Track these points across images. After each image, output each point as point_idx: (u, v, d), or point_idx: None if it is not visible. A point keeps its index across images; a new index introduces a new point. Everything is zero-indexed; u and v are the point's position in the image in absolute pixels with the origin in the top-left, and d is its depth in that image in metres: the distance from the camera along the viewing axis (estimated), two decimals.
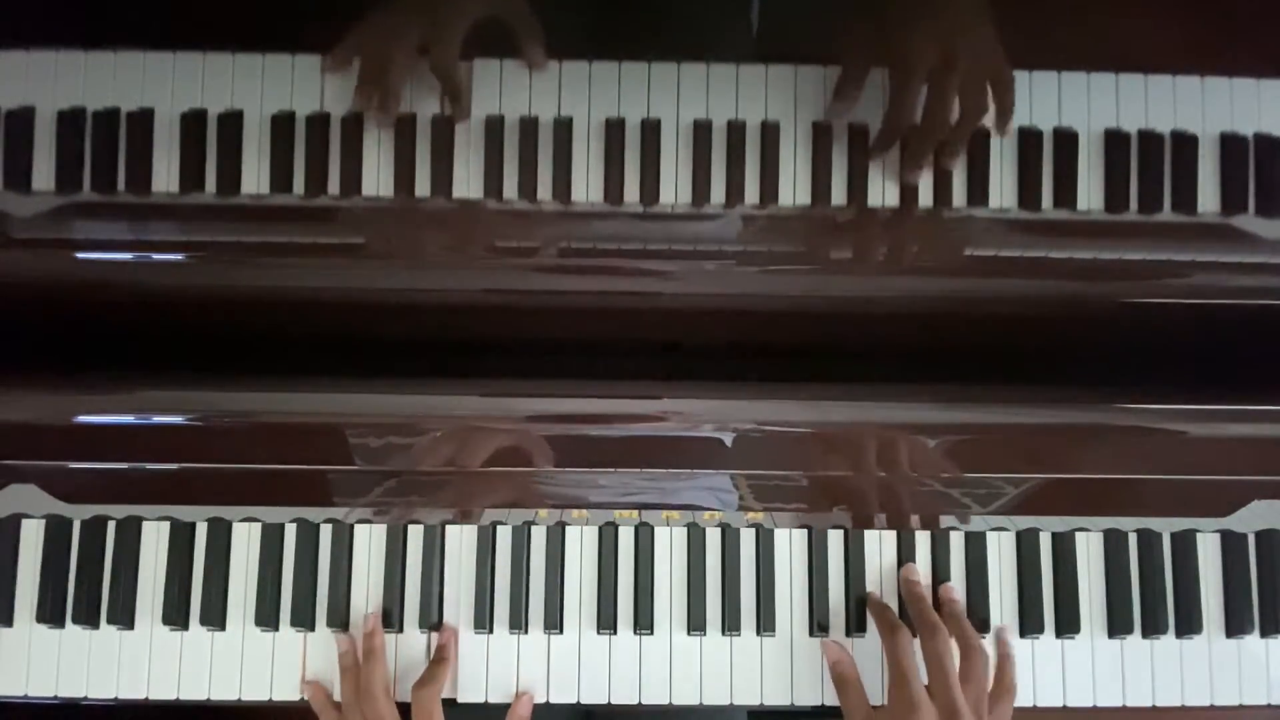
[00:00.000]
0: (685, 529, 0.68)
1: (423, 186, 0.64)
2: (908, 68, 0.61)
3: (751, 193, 0.65)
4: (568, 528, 0.68)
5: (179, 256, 0.64)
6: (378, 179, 0.64)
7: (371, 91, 0.62)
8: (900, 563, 0.68)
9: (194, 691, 0.66)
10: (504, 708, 0.66)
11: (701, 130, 0.65)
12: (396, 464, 0.66)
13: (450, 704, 0.66)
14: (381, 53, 0.61)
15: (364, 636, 0.66)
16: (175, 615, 0.66)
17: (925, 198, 0.65)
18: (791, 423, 0.66)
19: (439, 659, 0.65)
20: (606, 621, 0.67)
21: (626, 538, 0.68)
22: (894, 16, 0.62)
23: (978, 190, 0.65)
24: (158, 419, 0.65)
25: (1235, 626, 0.67)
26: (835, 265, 0.65)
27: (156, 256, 0.64)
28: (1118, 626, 0.67)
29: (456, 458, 0.65)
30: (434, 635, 0.67)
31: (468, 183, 0.65)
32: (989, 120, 0.63)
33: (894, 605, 0.67)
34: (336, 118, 0.64)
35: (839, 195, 0.65)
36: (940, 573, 0.67)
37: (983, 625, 0.67)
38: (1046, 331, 0.68)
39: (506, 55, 0.64)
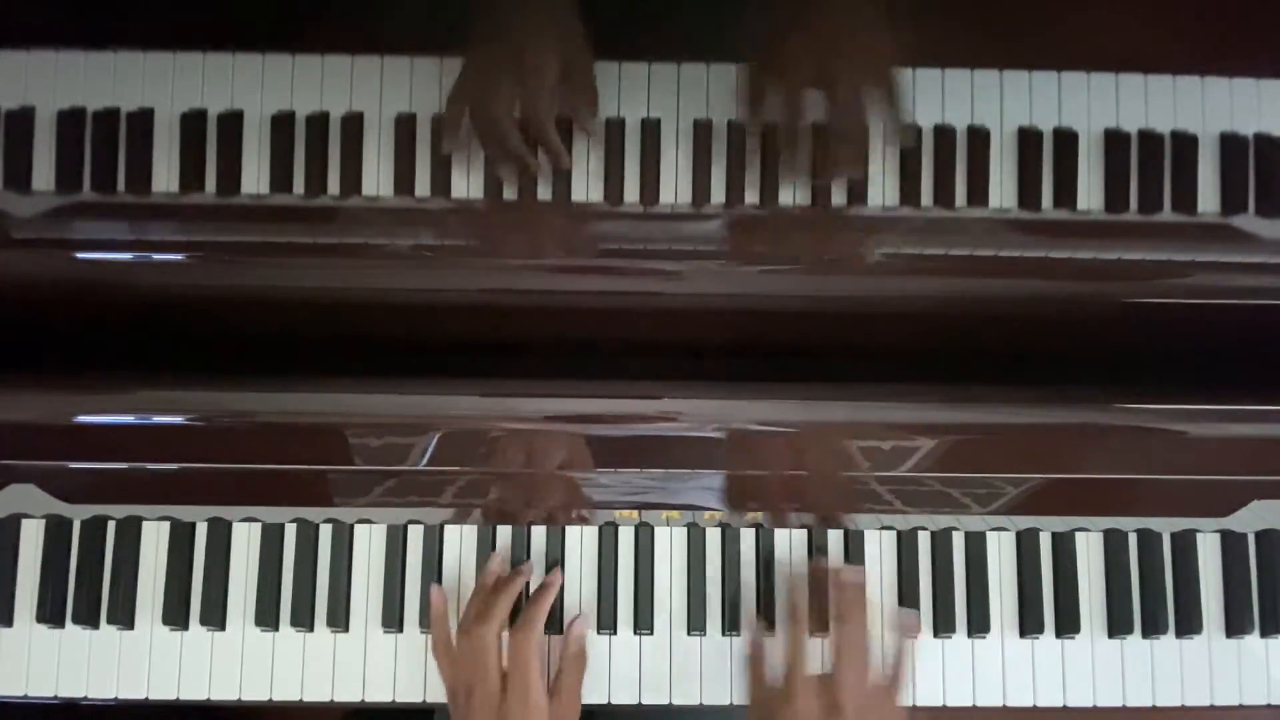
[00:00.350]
0: (685, 529, 0.68)
1: (422, 186, 0.64)
2: (788, 75, 0.60)
3: (752, 193, 0.65)
4: (567, 528, 0.68)
5: (179, 256, 0.64)
6: (378, 179, 0.64)
7: (504, 160, 0.63)
8: (900, 562, 0.68)
9: (194, 691, 0.66)
10: None
11: (701, 130, 0.65)
12: (396, 464, 0.66)
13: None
14: (492, 124, 0.61)
15: (515, 570, 0.67)
16: (175, 615, 0.66)
17: (926, 198, 0.65)
18: (791, 423, 0.66)
19: (537, 598, 0.66)
20: (606, 621, 0.67)
21: (626, 538, 0.68)
22: (775, 23, 0.61)
23: (978, 190, 0.65)
24: (158, 419, 0.65)
25: (1235, 626, 0.67)
26: (835, 265, 0.65)
27: (156, 256, 0.64)
28: (1118, 626, 0.67)
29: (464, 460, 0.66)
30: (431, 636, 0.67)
31: (467, 184, 0.65)
32: (883, 128, 0.62)
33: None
34: (336, 118, 0.65)
35: (839, 195, 0.65)
36: (940, 572, 0.67)
37: (983, 625, 0.67)
38: (1046, 331, 0.68)
39: None
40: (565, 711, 0.64)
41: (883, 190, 0.65)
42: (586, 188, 0.65)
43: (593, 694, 0.66)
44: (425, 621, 0.67)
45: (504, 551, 0.68)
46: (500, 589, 0.65)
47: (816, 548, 0.68)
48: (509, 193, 0.64)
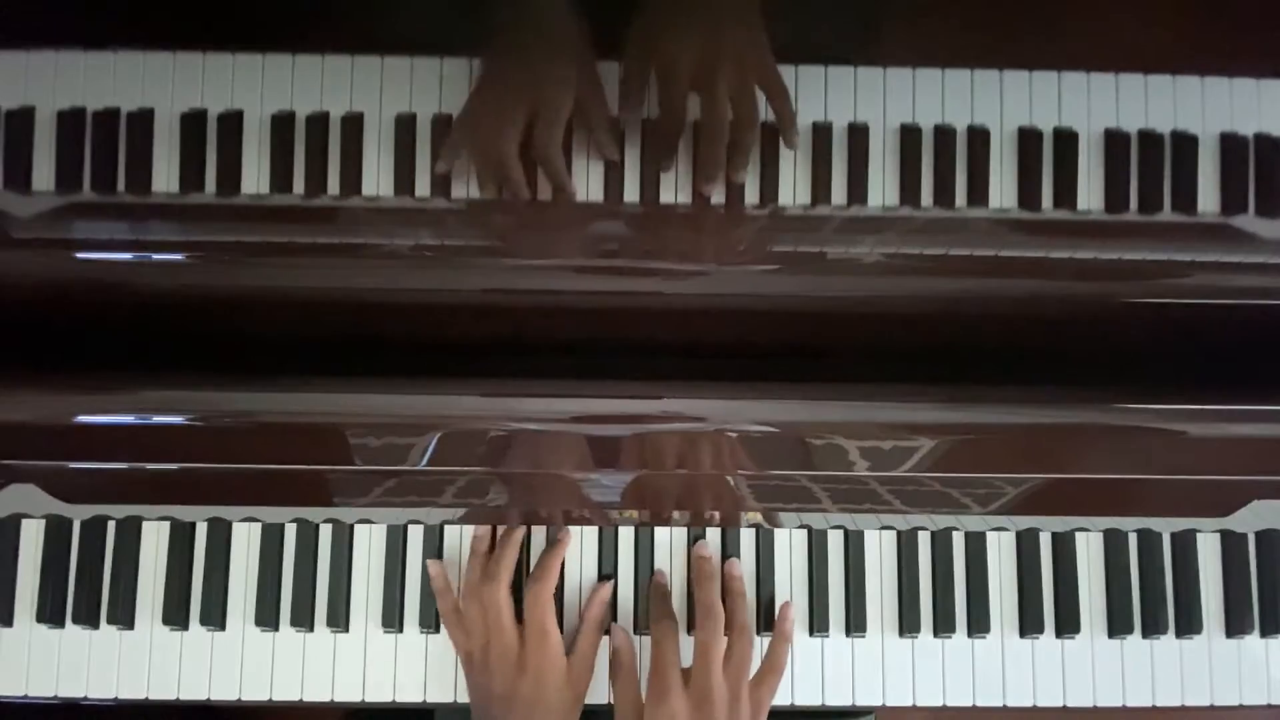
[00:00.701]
0: (685, 529, 0.68)
1: (423, 186, 0.64)
2: (667, 73, 0.60)
3: (751, 193, 0.65)
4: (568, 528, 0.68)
5: (179, 256, 0.64)
6: (378, 179, 0.64)
7: (497, 185, 0.63)
8: (901, 562, 0.68)
9: (194, 691, 0.66)
10: None
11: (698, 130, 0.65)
12: (396, 464, 0.65)
13: (450, 705, 0.66)
14: (498, 162, 0.61)
15: (505, 530, 0.67)
16: (175, 615, 0.66)
17: (927, 198, 0.65)
18: (791, 423, 0.66)
19: (551, 550, 0.66)
20: (606, 621, 0.67)
21: (626, 538, 0.68)
22: (655, 19, 0.60)
23: (978, 190, 0.65)
24: (158, 419, 0.64)
25: (1235, 626, 0.67)
26: (833, 265, 0.65)
27: (156, 256, 0.64)
28: (1118, 626, 0.67)
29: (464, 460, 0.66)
30: (433, 636, 0.67)
31: (467, 184, 0.65)
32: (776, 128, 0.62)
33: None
34: (336, 118, 0.64)
35: (839, 195, 0.65)
36: (940, 572, 0.67)
37: (983, 625, 0.67)
38: (1046, 331, 0.68)
39: None
40: (579, 673, 0.64)
41: (883, 190, 0.65)
42: (587, 188, 0.65)
43: (594, 694, 0.66)
44: (426, 622, 0.67)
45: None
46: (501, 546, 0.66)
47: (695, 537, 0.68)
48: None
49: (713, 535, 0.68)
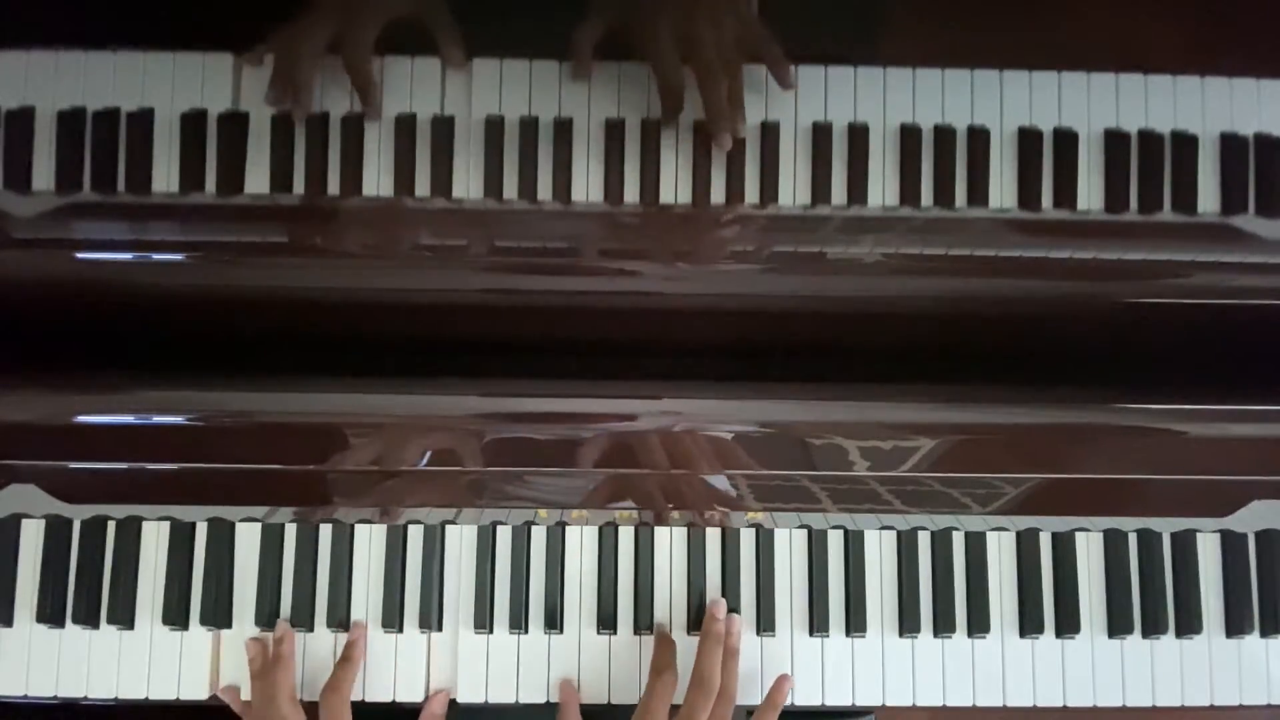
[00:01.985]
0: (685, 529, 0.68)
1: (423, 187, 0.64)
2: (654, 40, 0.61)
3: (751, 192, 0.65)
4: (568, 528, 0.68)
5: (179, 256, 0.64)
6: (378, 179, 0.64)
7: (285, 88, 0.63)
8: (901, 562, 0.68)
9: (194, 691, 0.66)
10: (506, 709, 0.66)
11: (701, 130, 0.65)
12: (396, 464, 0.66)
13: (451, 704, 0.66)
14: (291, 51, 0.62)
15: (274, 641, 0.65)
16: (175, 615, 0.66)
17: (927, 198, 0.65)
18: (791, 423, 0.66)
19: (345, 658, 0.65)
20: (606, 621, 0.67)
21: (626, 538, 0.68)
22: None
23: (978, 190, 0.65)
24: (158, 419, 0.65)
25: (1235, 626, 0.67)
26: (833, 265, 0.65)
27: (156, 256, 0.64)
28: (1118, 626, 0.67)
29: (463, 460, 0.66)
30: (434, 636, 0.67)
31: (468, 183, 0.65)
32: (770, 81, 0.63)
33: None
34: (336, 118, 0.64)
35: (839, 195, 0.65)
36: (940, 572, 0.67)
37: (983, 625, 0.67)
38: (1046, 331, 0.68)
39: (506, 56, 0.64)
40: None
41: (883, 190, 0.65)
42: (587, 188, 0.65)
43: (595, 694, 0.66)
44: (426, 622, 0.66)
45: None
46: (273, 662, 0.64)
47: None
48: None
49: (713, 535, 0.68)
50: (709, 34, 0.61)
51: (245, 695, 0.65)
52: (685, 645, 0.66)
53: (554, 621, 0.67)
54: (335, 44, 0.62)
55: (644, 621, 0.67)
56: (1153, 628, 0.67)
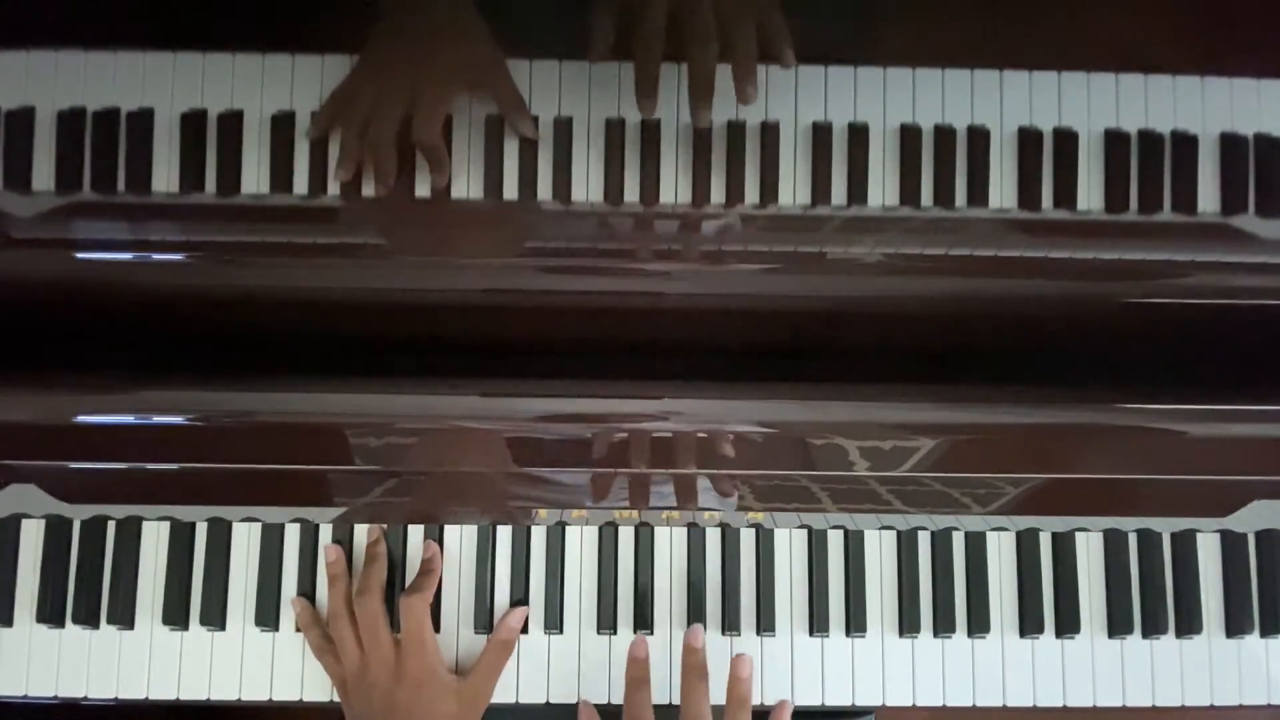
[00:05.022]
0: (685, 529, 0.68)
1: (422, 187, 0.64)
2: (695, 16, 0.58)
3: (751, 192, 0.65)
4: (568, 528, 0.68)
5: (179, 256, 0.64)
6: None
7: (352, 166, 0.63)
8: (901, 562, 0.67)
9: (194, 691, 0.66)
10: (508, 709, 0.66)
11: (701, 130, 0.65)
12: (397, 464, 0.66)
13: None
14: (365, 136, 0.61)
15: (368, 545, 0.66)
16: (175, 615, 0.66)
17: (927, 198, 0.65)
18: (791, 423, 0.66)
19: (426, 570, 0.66)
20: (606, 621, 0.67)
21: (626, 538, 0.68)
22: None
23: (978, 190, 0.65)
24: (158, 419, 0.65)
25: (1235, 626, 0.67)
26: (833, 265, 0.65)
27: (156, 256, 0.64)
28: (1118, 626, 0.67)
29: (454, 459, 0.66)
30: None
31: (467, 183, 0.65)
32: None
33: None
34: None
35: (839, 195, 0.65)
36: (940, 572, 0.67)
37: (983, 625, 0.67)
38: (1046, 331, 0.68)
39: (506, 56, 0.64)
40: (476, 690, 0.64)
41: (883, 190, 0.65)
42: (587, 188, 0.65)
43: (596, 693, 0.66)
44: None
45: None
46: (368, 561, 0.66)
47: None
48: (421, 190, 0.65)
49: (713, 535, 0.68)
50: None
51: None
52: (681, 641, 0.67)
53: (554, 622, 0.67)
54: (405, 124, 0.61)
55: (644, 621, 0.67)
56: (1153, 628, 0.67)
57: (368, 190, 0.64)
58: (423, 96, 0.60)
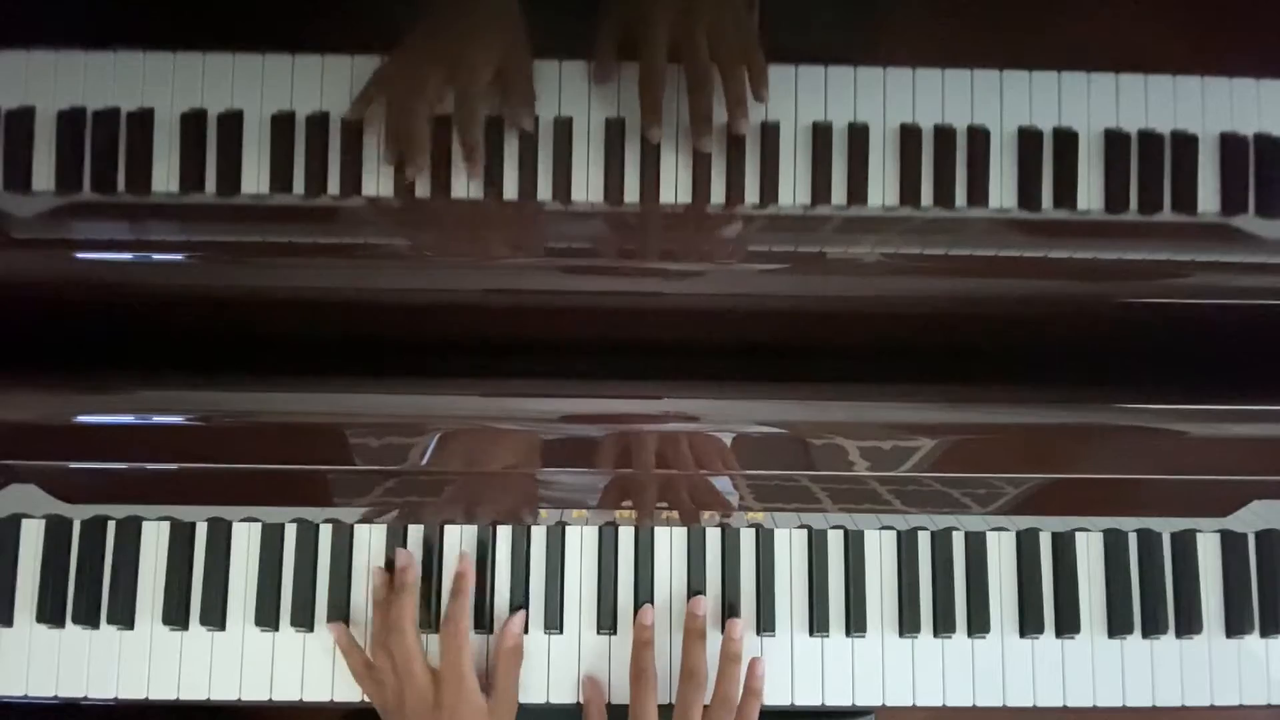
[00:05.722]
0: (685, 529, 0.68)
1: (422, 187, 0.64)
2: (642, 29, 0.61)
3: (752, 192, 0.65)
4: (568, 528, 0.68)
5: (179, 256, 0.64)
6: (378, 179, 0.64)
7: (399, 149, 0.63)
8: (901, 562, 0.68)
9: (194, 691, 0.66)
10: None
11: (702, 139, 0.65)
12: (397, 464, 0.66)
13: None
14: (408, 114, 0.62)
15: (398, 571, 0.66)
16: (175, 615, 0.66)
17: (927, 198, 0.65)
18: (791, 423, 0.66)
19: (457, 590, 0.66)
20: (606, 621, 0.67)
21: (626, 538, 0.68)
22: None
23: (978, 190, 0.65)
24: (158, 419, 0.65)
25: (1235, 626, 0.67)
26: (833, 265, 0.65)
27: (156, 256, 0.64)
28: (1118, 626, 0.67)
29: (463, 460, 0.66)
30: (432, 636, 0.67)
31: (468, 183, 0.65)
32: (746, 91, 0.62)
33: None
34: (336, 118, 0.64)
35: (839, 195, 0.65)
36: (940, 573, 0.67)
37: (983, 625, 0.67)
38: (1046, 331, 0.68)
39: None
40: (502, 707, 0.64)
41: (883, 190, 0.65)
42: (587, 188, 0.65)
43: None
44: (425, 622, 0.66)
45: (379, 560, 0.67)
46: (397, 593, 0.65)
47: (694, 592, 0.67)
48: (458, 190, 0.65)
49: (713, 535, 0.68)
50: (728, 24, 0.62)
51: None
52: (680, 633, 0.67)
53: (554, 622, 0.67)
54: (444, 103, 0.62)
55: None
56: (1153, 628, 0.67)
57: (369, 186, 0.64)
58: (461, 76, 0.61)
